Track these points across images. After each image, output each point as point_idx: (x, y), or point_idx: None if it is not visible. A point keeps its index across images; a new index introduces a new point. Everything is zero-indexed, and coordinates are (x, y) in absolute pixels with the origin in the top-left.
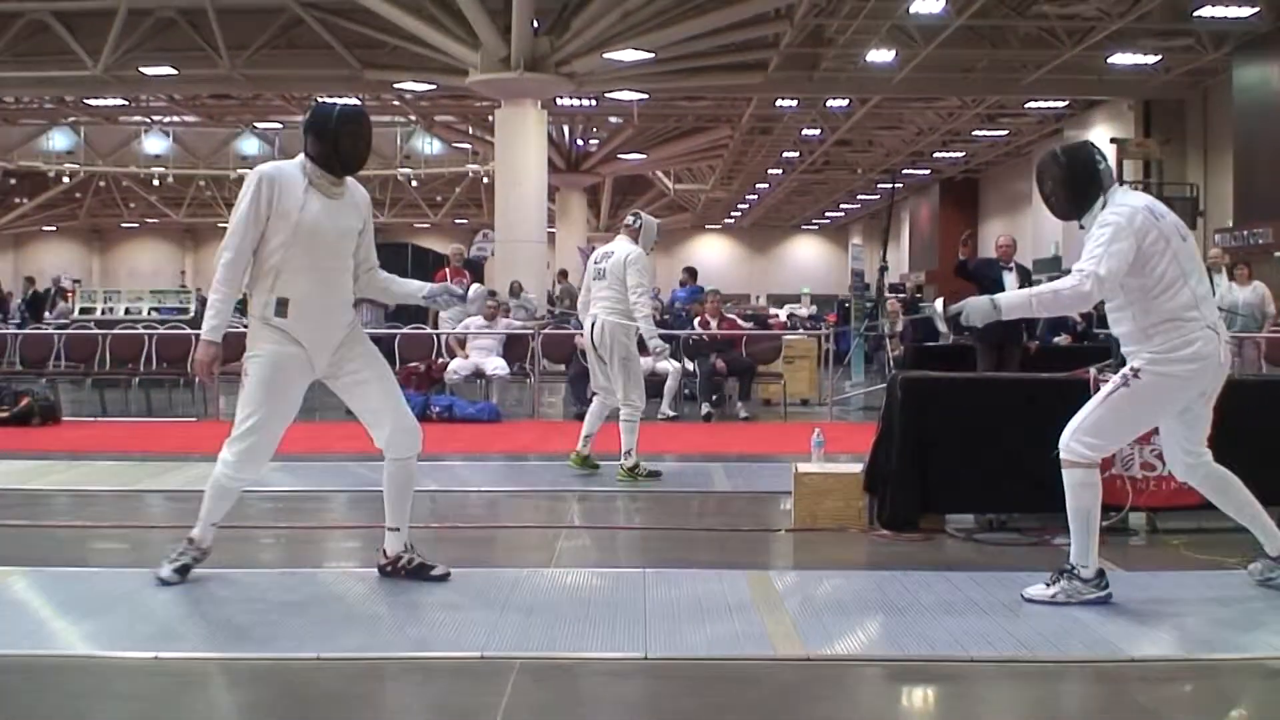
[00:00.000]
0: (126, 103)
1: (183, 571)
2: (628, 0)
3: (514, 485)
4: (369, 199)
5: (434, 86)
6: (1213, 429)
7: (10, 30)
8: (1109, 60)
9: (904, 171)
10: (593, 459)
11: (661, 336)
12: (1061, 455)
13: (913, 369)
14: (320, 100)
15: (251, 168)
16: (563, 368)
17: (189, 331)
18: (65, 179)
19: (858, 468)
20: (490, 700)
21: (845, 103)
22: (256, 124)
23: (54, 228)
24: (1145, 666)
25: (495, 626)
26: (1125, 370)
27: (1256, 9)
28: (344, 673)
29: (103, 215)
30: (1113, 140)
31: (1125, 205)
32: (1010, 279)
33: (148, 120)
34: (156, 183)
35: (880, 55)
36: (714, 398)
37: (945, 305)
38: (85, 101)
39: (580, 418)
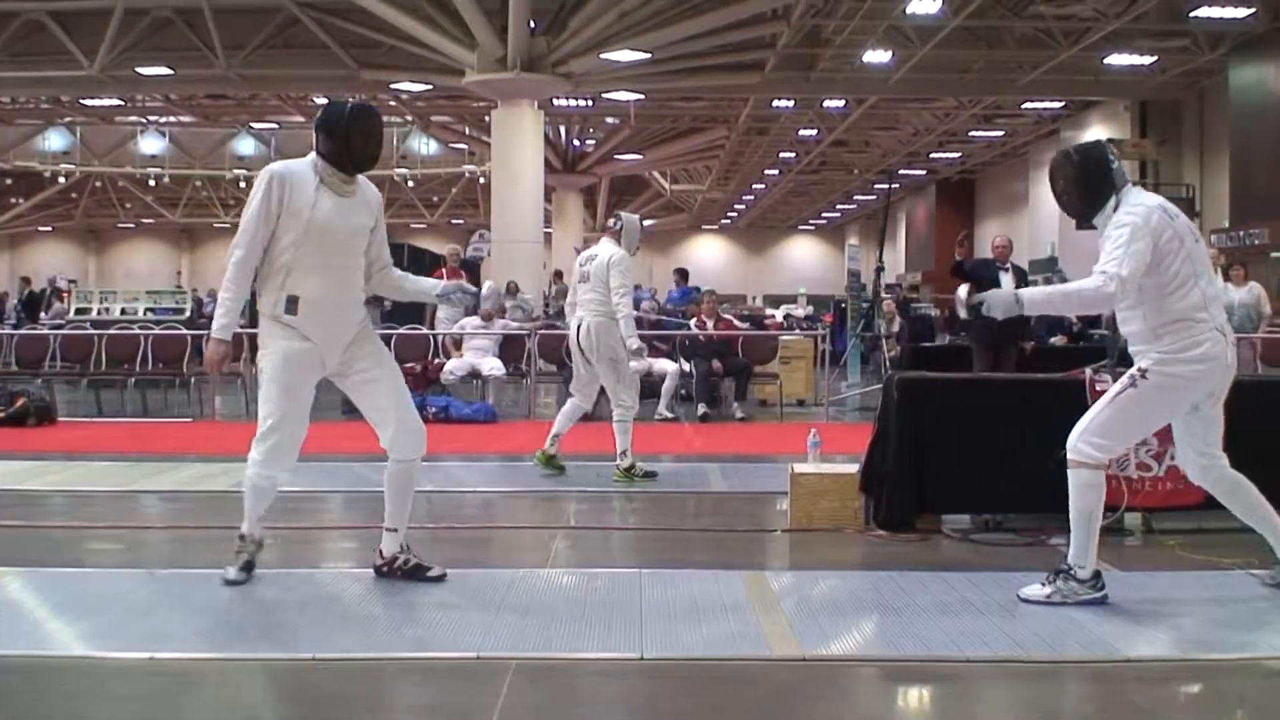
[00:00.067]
0: (122, 103)
1: (248, 568)
2: (624, 1)
3: (510, 486)
4: (380, 197)
5: (430, 87)
6: None
7: (6, 30)
8: (1105, 61)
9: (900, 172)
10: (559, 459)
11: (658, 338)
12: (1068, 456)
13: (909, 369)
14: (332, 99)
15: (248, 168)
16: (557, 368)
17: (185, 332)
18: (61, 179)
19: (854, 468)
20: (486, 700)
21: (842, 103)
22: (253, 124)
23: (50, 228)
24: (1141, 667)
25: (491, 627)
26: (1133, 371)
27: (1253, 10)
28: (340, 673)
29: (99, 215)
30: (1109, 141)
31: (1140, 205)
32: (1006, 279)
33: (144, 120)
34: (152, 183)
35: (877, 56)
36: (710, 398)
37: (969, 294)
38: (81, 101)
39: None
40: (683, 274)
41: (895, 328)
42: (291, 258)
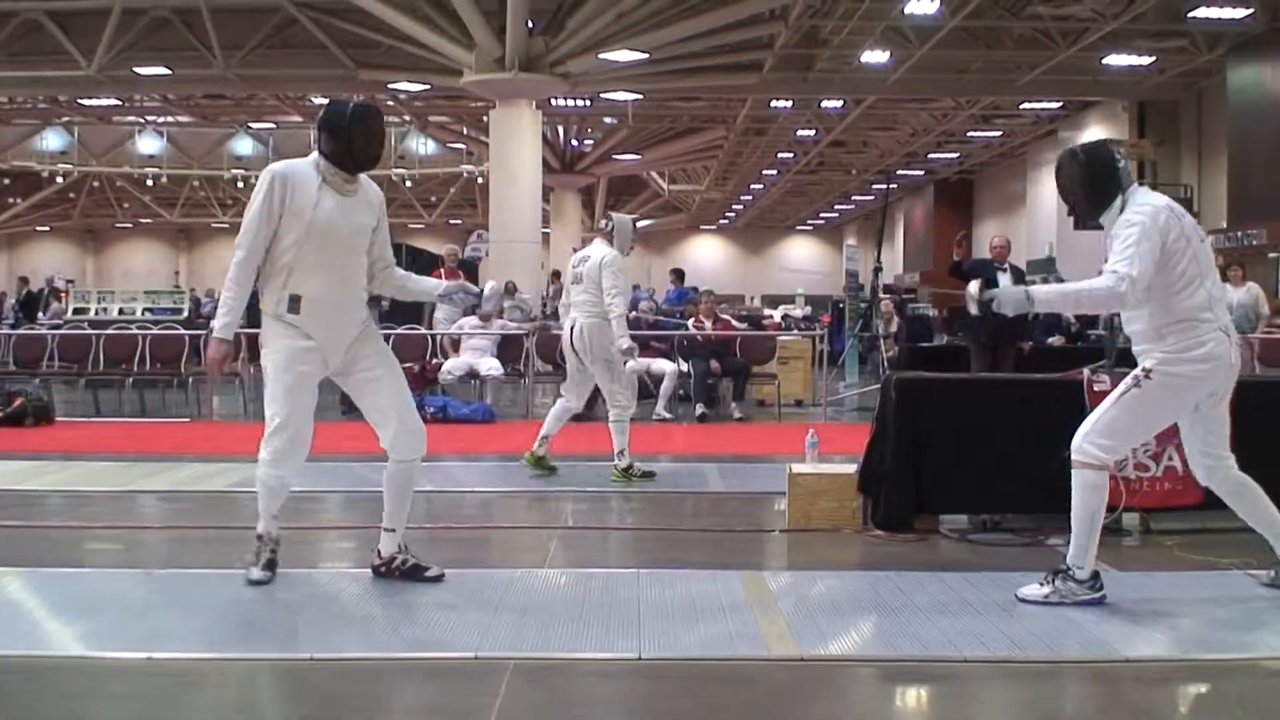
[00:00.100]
0: (120, 103)
1: (270, 567)
2: (622, 1)
3: (508, 486)
4: (382, 197)
5: (428, 87)
6: None
7: (4, 30)
8: (1103, 61)
9: (898, 172)
10: (548, 460)
11: (657, 338)
12: (1073, 456)
13: (907, 369)
14: (333, 98)
15: (246, 168)
16: (553, 369)
17: (183, 332)
18: (59, 179)
19: (852, 468)
20: (484, 700)
21: (840, 104)
22: (251, 124)
23: (48, 228)
24: (1139, 667)
25: (489, 627)
26: (1137, 371)
27: (1251, 10)
28: (337, 673)
29: (97, 215)
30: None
31: (1147, 205)
32: (1004, 280)
33: (142, 120)
34: (150, 183)
35: (875, 56)
36: (708, 399)
37: (981, 289)
38: (79, 101)
39: (575, 420)
40: (679, 274)
41: (893, 328)
42: (294, 257)
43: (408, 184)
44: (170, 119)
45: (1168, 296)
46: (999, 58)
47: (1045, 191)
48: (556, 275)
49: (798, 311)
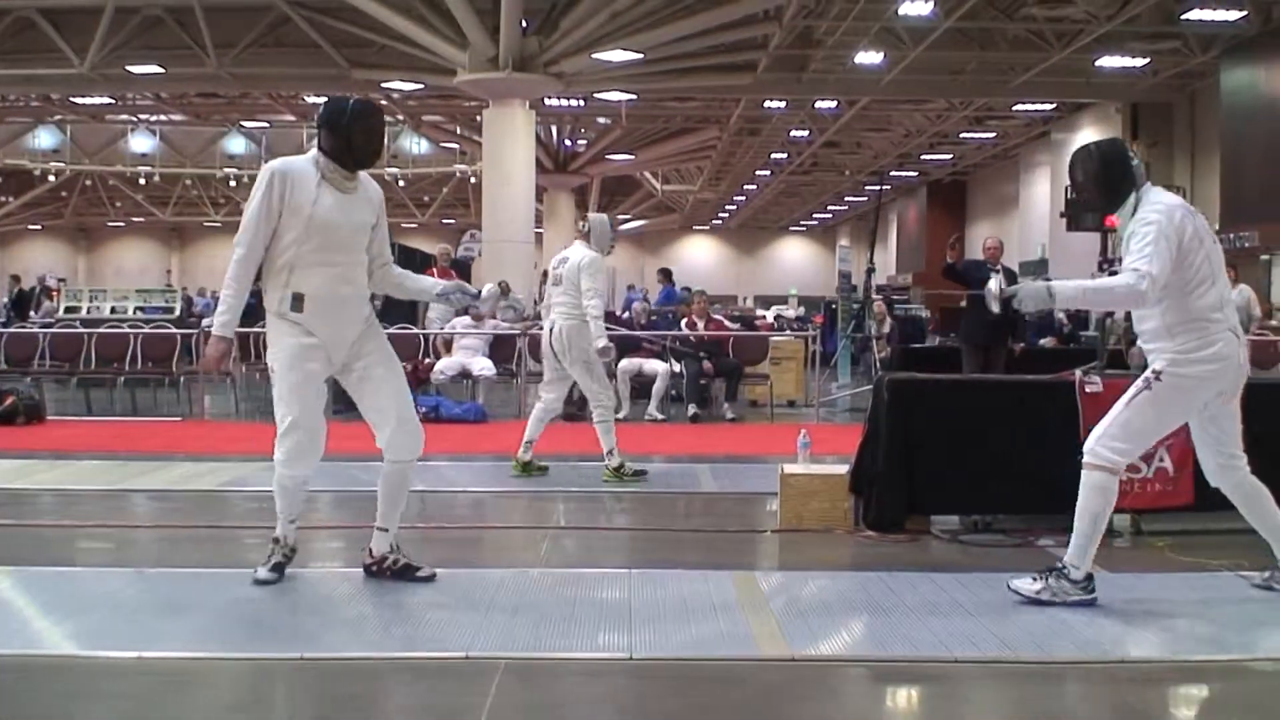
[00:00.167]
0: (113, 101)
1: (279, 569)
2: (616, 1)
3: (500, 486)
4: (382, 194)
5: (422, 86)
6: None
7: None
8: (1097, 63)
9: (892, 174)
10: (536, 463)
11: (649, 340)
12: (1085, 459)
13: (899, 370)
14: (331, 96)
15: (238, 167)
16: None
17: (174, 331)
18: (51, 177)
19: (844, 469)
20: (475, 700)
21: (834, 104)
22: (244, 123)
23: (39, 226)
24: (1131, 667)
25: (480, 627)
26: (1147, 373)
27: (1244, 12)
28: (329, 672)
29: (89, 214)
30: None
31: (1162, 203)
32: (996, 281)
33: (134, 119)
34: (143, 181)
35: (869, 57)
36: (701, 399)
37: (1000, 287)
38: (71, 100)
39: (567, 419)
40: (666, 274)
41: (886, 329)
42: (294, 255)
43: (401, 183)
44: (163, 117)
45: (1182, 296)
46: (993, 59)
47: (1038, 193)
48: (547, 275)
49: (790, 312)
